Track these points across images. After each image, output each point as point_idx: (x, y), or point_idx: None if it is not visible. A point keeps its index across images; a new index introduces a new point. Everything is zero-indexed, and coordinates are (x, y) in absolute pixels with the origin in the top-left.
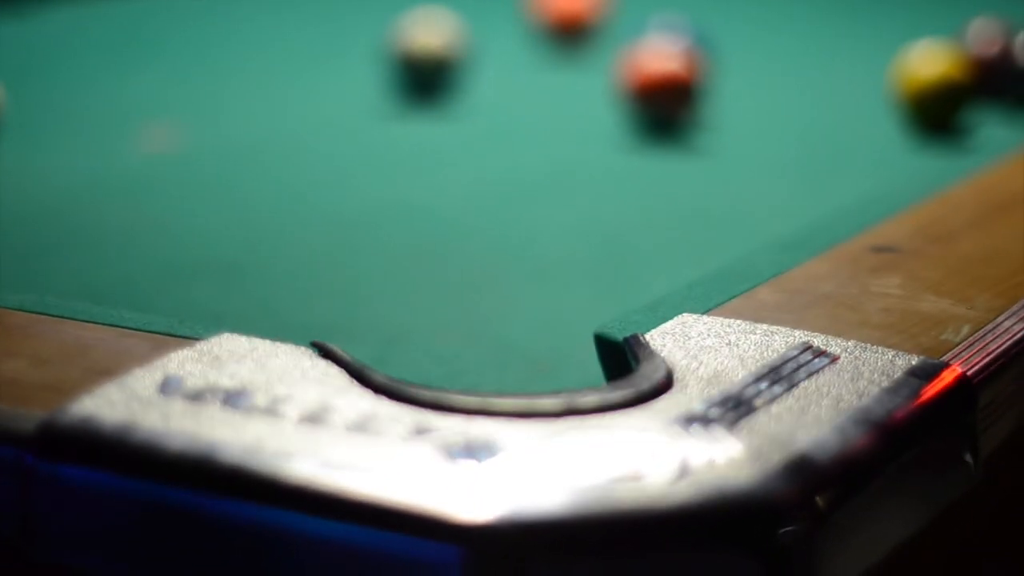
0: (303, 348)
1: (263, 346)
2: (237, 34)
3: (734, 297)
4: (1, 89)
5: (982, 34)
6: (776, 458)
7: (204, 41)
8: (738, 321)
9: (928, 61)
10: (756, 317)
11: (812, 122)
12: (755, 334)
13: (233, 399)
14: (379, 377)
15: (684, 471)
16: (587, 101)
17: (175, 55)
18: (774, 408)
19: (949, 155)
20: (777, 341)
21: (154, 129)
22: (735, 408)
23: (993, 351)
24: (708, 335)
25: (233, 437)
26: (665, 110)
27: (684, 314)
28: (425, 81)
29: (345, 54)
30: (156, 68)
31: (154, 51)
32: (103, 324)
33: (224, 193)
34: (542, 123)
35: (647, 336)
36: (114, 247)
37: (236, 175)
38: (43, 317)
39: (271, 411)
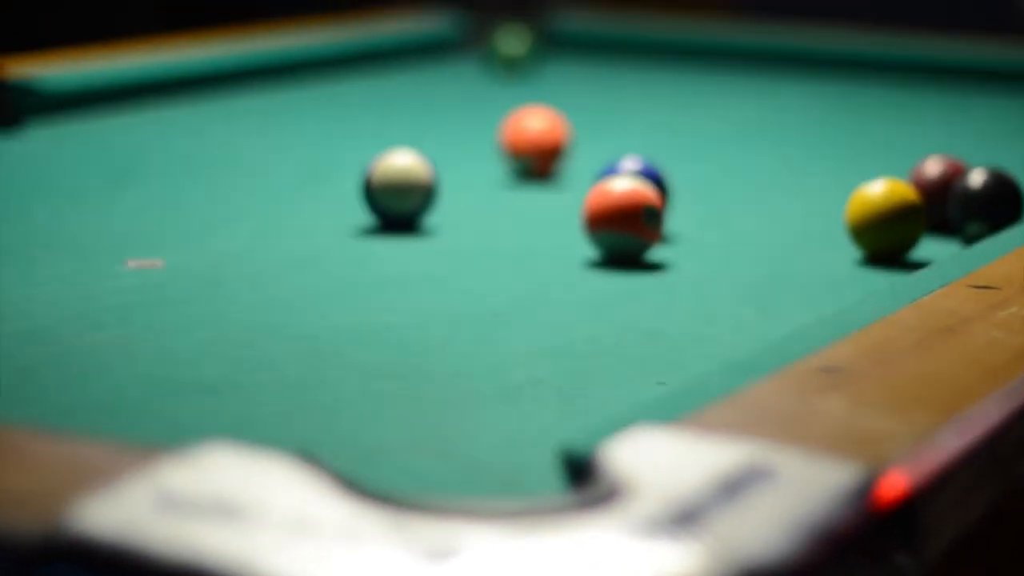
0: (289, 457)
1: (250, 456)
2: (219, 157)
3: (688, 413)
4: None
5: (932, 166)
6: (724, 567)
7: (188, 162)
8: (690, 435)
9: (879, 185)
10: (708, 432)
11: (768, 251)
12: (706, 448)
13: (222, 509)
14: (360, 484)
15: None
16: (552, 226)
17: (159, 175)
18: (723, 518)
19: (897, 280)
20: (727, 454)
21: (139, 261)
22: (685, 518)
23: (932, 465)
24: (662, 448)
25: (223, 548)
26: (629, 233)
27: (640, 429)
28: (398, 208)
29: (323, 182)
30: (141, 188)
31: (139, 171)
32: (96, 438)
33: (207, 313)
34: (509, 247)
35: (606, 448)
36: (102, 365)
37: (218, 296)
38: (39, 432)
39: (259, 520)
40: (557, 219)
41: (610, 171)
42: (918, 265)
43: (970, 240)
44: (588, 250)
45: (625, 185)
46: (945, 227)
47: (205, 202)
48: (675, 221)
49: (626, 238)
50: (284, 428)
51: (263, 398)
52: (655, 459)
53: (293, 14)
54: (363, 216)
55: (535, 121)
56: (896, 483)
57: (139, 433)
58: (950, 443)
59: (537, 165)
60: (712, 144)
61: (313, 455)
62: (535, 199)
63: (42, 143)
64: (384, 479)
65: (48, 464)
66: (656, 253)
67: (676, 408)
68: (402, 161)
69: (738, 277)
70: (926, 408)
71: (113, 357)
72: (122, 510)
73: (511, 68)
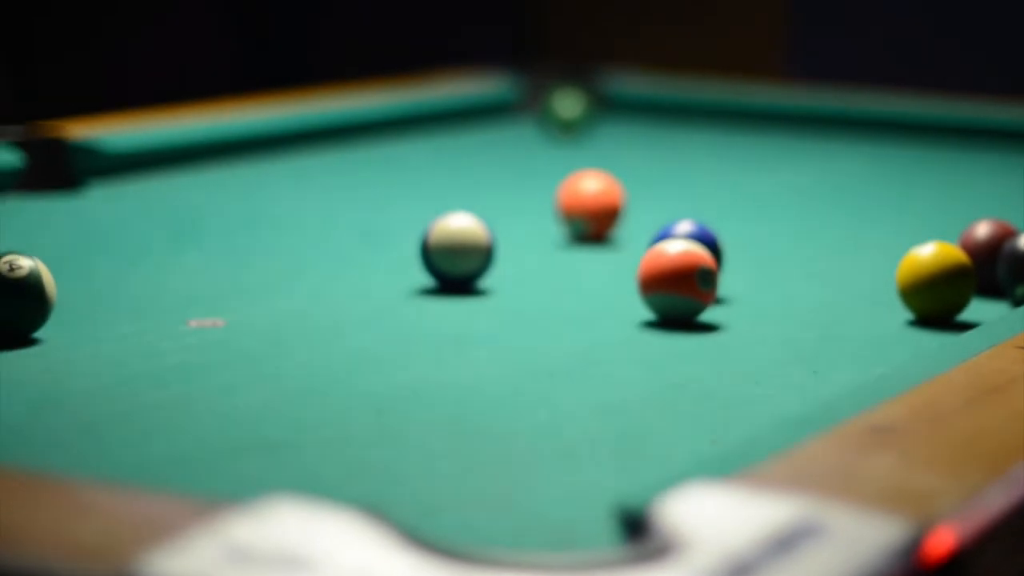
0: (353, 512)
1: (315, 510)
2: (279, 217)
3: (741, 470)
4: (49, 275)
5: (982, 229)
6: None
7: (248, 222)
8: (743, 491)
9: (929, 248)
10: (761, 488)
11: (820, 312)
12: (759, 503)
13: (289, 561)
14: (423, 538)
15: None
16: (608, 288)
17: (220, 235)
18: (775, 573)
19: (946, 340)
20: (779, 510)
21: (201, 320)
22: (739, 572)
23: (980, 522)
24: (716, 504)
25: None
26: (683, 295)
27: (695, 485)
28: (456, 270)
29: (381, 243)
30: (201, 248)
31: (199, 231)
32: (163, 492)
33: (268, 372)
34: (565, 308)
35: (660, 505)
36: (165, 423)
37: (279, 354)
38: (108, 486)
39: (325, 572)
40: (612, 281)
41: (664, 235)
42: (967, 326)
43: (1018, 302)
44: (643, 311)
45: (679, 248)
46: (994, 289)
47: (265, 262)
48: (728, 283)
49: (680, 300)
50: (346, 484)
51: (325, 455)
52: (709, 514)
53: (352, 77)
54: (421, 277)
55: (591, 184)
56: (945, 540)
57: (204, 490)
58: (998, 500)
59: (593, 228)
60: (765, 206)
61: (376, 509)
62: (591, 261)
63: (104, 203)
64: (445, 533)
65: (117, 517)
66: (710, 314)
67: (729, 465)
68: (459, 224)
69: (790, 337)
70: (975, 466)
71: (177, 415)
72: (191, 562)
73: (567, 131)
